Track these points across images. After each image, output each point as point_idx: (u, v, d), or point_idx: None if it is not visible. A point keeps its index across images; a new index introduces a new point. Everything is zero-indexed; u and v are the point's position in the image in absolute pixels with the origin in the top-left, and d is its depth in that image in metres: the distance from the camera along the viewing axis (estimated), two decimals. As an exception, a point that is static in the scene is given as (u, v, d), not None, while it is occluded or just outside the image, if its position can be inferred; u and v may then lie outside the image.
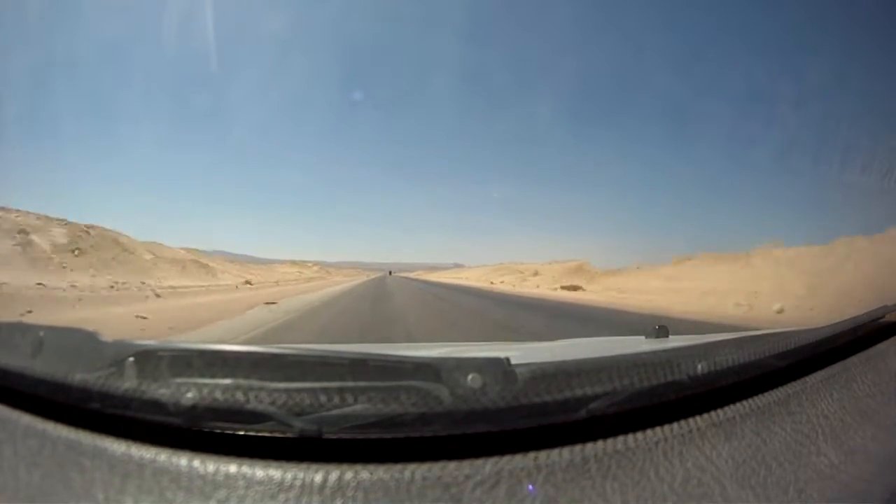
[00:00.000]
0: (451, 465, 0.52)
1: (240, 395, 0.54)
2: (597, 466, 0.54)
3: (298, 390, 0.54)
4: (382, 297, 13.37)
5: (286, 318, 7.58)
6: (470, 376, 0.56)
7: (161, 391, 0.55)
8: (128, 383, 0.57)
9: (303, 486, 0.49)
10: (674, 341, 1.22)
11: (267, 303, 10.41)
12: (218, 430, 0.54)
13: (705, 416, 0.64)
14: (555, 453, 0.55)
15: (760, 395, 0.70)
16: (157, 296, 11.63)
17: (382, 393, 0.55)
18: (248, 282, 23.21)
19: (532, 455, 0.54)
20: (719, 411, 0.65)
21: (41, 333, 0.68)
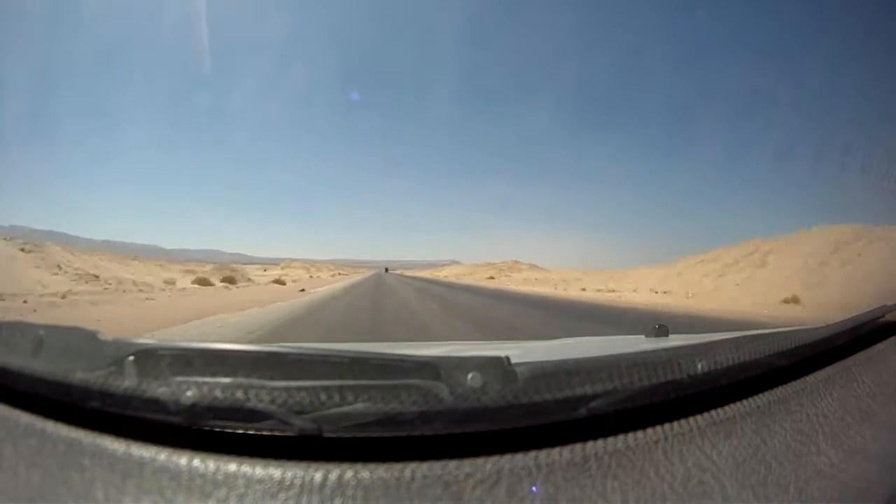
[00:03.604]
0: (452, 464, 0.52)
1: (240, 394, 0.53)
2: (597, 465, 0.54)
3: (298, 389, 0.54)
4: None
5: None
6: (470, 375, 0.56)
7: (161, 390, 0.55)
8: (128, 382, 0.56)
9: (303, 484, 0.49)
10: (674, 340, 1.22)
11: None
12: (218, 429, 0.54)
13: (705, 415, 0.64)
14: (555, 452, 0.55)
15: (760, 395, 0.70)
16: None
17: (382, 391, 0.55)
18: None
19: (532, 454, 0.54)
20: (719, 410, 0.65)
21: (41, 332, 0.68)
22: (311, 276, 54.97)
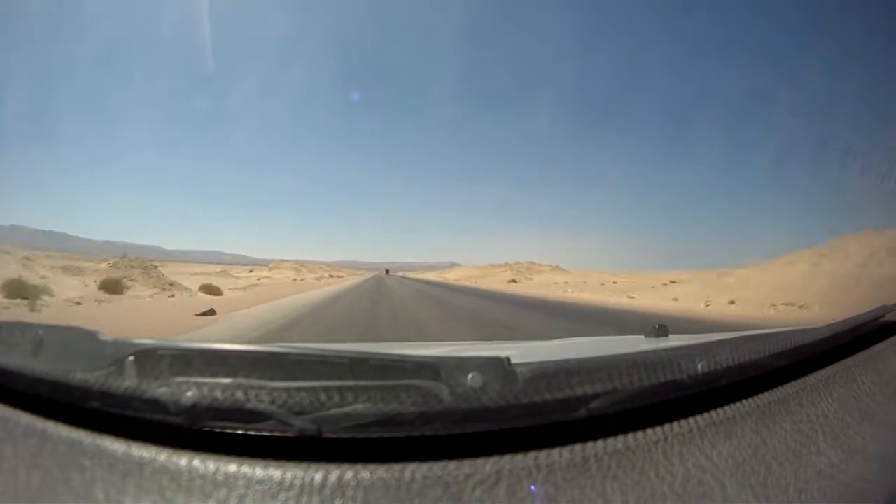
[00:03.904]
0: (452, 465, 0.52)
1: (240, 395, 0.54)
2: (597, 466, 0.54)
3: (298, 389, 0.54)
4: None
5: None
6: (470, 375, 0.56)
7: (161, 390, 0.55)
8: (128, 382, 0.56)
9: (303, 485, 0.49)
10: (673, 340, 1.22)
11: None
12: (218, 430, 0.54)
13: (705, 415, 0.64)
14: (555, 452, 0.55)
15: (760, 395, 0.70)
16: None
17: (382, 392, 0.55)
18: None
19: (532, 454, 0.54)
20: (719, 411, 0.65)
21: (41, 332, 0.68)
22: (295, 279, 46.52)
